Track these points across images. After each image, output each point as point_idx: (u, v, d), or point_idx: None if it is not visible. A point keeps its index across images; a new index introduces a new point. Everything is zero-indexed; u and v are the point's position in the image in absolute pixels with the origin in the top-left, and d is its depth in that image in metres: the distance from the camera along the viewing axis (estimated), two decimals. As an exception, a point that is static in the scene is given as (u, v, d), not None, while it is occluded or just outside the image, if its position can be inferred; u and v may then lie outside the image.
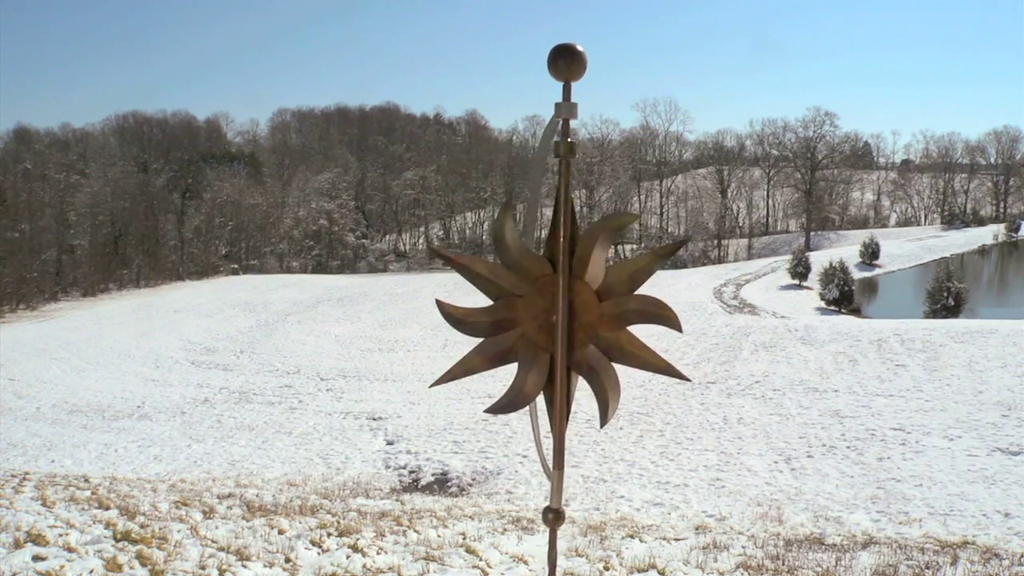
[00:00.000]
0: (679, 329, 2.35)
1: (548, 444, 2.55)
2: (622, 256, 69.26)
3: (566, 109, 2.32)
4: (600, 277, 2.37)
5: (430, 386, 2.62)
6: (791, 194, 79.51)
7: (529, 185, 2.81)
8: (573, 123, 2.37)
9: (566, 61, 2.27)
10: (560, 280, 2.35)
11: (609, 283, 2.37)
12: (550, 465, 2.52)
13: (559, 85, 2.32)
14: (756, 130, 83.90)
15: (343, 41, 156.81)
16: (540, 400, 2.50)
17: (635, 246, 71.15)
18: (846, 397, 16.07)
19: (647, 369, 2.40)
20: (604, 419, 2.45)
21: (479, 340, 2.47)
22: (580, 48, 2.26)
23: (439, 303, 2.42)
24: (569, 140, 2.35)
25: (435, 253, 2.49)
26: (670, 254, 2.46)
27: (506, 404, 2.45)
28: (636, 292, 2.37)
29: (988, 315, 30.10)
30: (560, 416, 2.44)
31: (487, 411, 2.54)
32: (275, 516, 6.97)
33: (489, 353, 2.42)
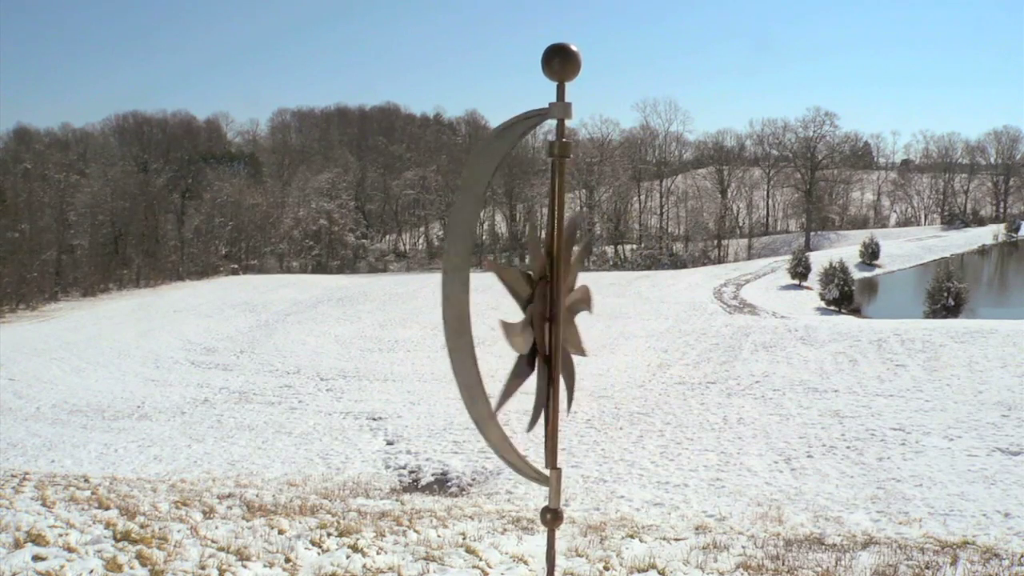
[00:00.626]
0: (592, 311, 2.70)
1: (541, 446, 2.56)
2: (622, 255, 69.26)
3: (560, 109, 2.32)
4: (568, 277, 2.49)
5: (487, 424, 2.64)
6: (791, 194, 79.52)
7: (476, 166, 2.45)
8: (572, 122, 2.37)
9: (561, 61, 2.27)
10: (557, 281, 2.38)
11: (571, 281, 2.53)
12: (537, 469, 2.55)
13: (555, 84, 2.32)
14: (756, 130, 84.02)
15: (343, 41, 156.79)
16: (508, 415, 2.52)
17: (635, 246, 71.19)
18: (846, 397, 16.07)
19: (576, 354, 2.65)
20: (569, 406, 2.64)
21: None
22: (574, 48, 2.26)
23: (503, 325, 2.39)
24: (564, 140, 2.34)
25: (488, 266, 2.52)
26: (589, 250, 2.79)
27: (536, 415, 2.51)
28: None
29: (988, 315, 30.11)
30: (554, 416, 2.46)
31: (528, 431, 2.57)
32: (275, 516, 6.96)
33: (515, 369, 2.46)
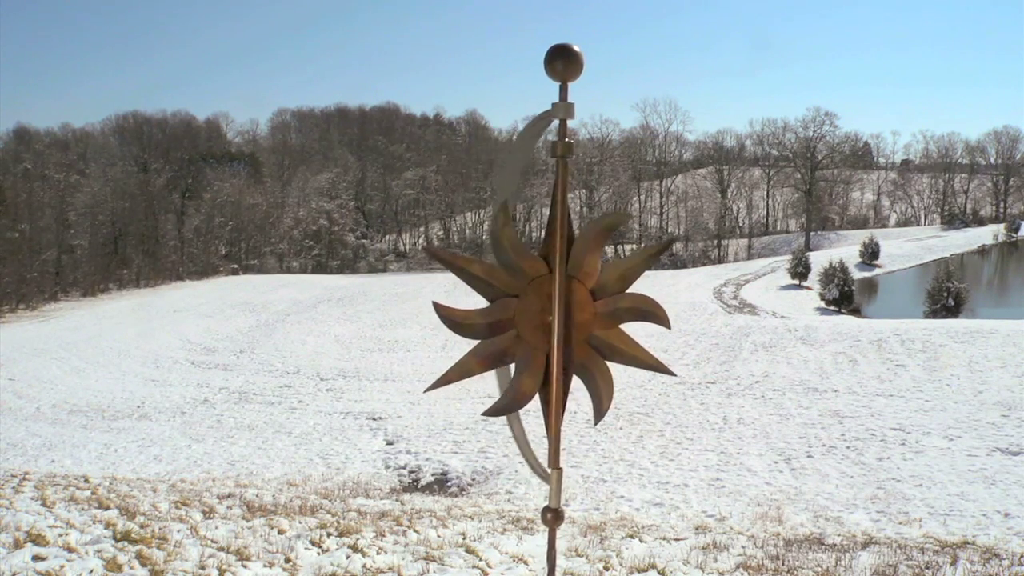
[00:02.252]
0: (668, 326, 2.43)
1: (542, 446, 2.55)
2: (621, 256, 69.29)
3: (563, 109, 2.31)
4: (594, 276, 2.39)
5: (425, 390, 2.60)
6: (791, 194, 79.52)
7: (501, 176, 2.60)
8: (572, 123, 2.37)
9: (563, 62, 2.27)
10: (556, 280, 2.36)
11: (602, 282, 2.41)
12: (544, 467, 2.53)
13: (558, 84, 2.32)
14: (756, 130, 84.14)
15: (343, 41, 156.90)
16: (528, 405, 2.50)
17: (635, 246, 71.18)
18: (846, 397, 16.07)
19: (637, 366, 2.47)
20: (598, 417, 2.51)
21: (476, 342, 2.47)
22: (577, 48, 2.26)
23: (436, 306, 2.41)
24: (566, 140, 2.34)
25: (431, 254, 2.47)
26: (660, 253, 2.61)
27: (504, 406, 2.46)
28: (628, 291, 2.43)
29: (988, 315, 30.10)
30: (556, 416, 2.44)
31: (485, 414, 2.54)
32: (275, 516, 6.96)
33: (484, 355, 2.42)
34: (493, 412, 2.48)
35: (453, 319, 2.40)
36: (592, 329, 2.43)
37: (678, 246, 71.30)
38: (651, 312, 2.43)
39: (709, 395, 17.04)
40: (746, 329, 25.09)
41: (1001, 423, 13.27)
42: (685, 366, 20.41)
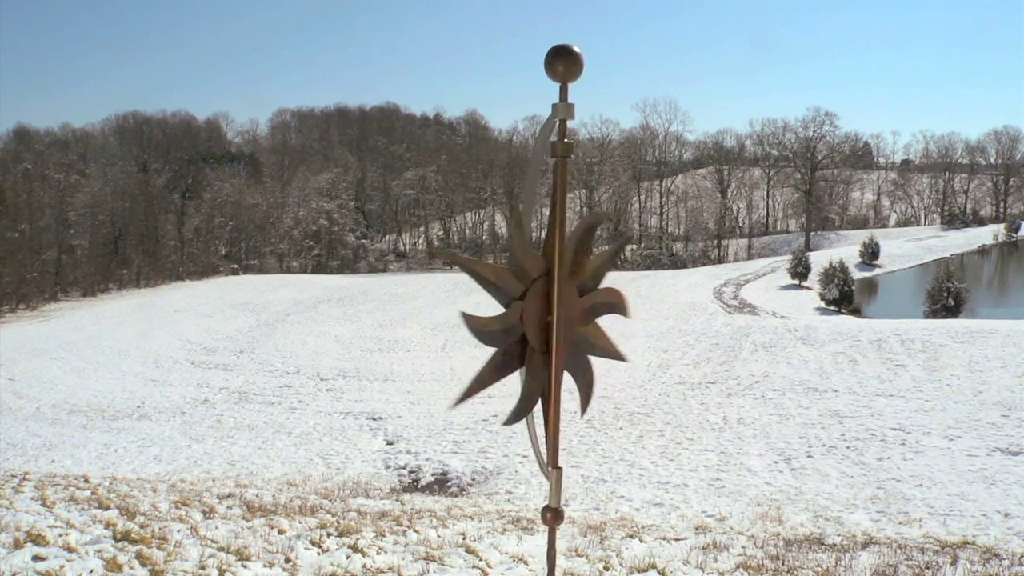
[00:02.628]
0: (628, 316, 2.56)
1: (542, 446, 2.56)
2: (622, 255, 69.22)
3: (563, 110, 2.32)
4: (582, 275, 2.43)
5: (450, 407, 2.60)
6: (791, 194, 79.55)
7: (525, 185, 2.75)
8: (572, 123, 2.37)
9: (564, 63, 2.27)
10: (555, 280, 2.36)
11: (584, 280, 2.47)
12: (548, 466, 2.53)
13: (558, 85, 2.32)
14: (756, 130, 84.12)
15: (343, 41, 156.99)
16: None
17: (635, 246, 71.17)
18: (846, 397, 16.07)
19: (608, 357, 2.59)
20: (584, 410, 2.61)
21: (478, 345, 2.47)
22: (577, 49, 2.26)
23: (464, 316, 2.38)
24: (566, 140, 2.35)
25: (448, 258, 2.46)
26: (620, 251, 2.69)
27: (519, 411, 2.47)
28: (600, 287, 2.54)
29: (988, 315, 30.10)
30: (555, 415, 2.45)
31: (505, 424, 2.55)
32: (275, 516, 6.96)
33: (497, 363, 2.42)
34: (512, 420, 2.48)
35: (479, 328, 2.39)
36: (578, 325, 2.47)
37: (678, 246, 71.32)
38: (618, 304, 2.54)
39: (709, 395, 17.04)
40: (746, 329, 25.09)
41: (1001, 423, 13.27)
42: (685, 366, 20.42)
